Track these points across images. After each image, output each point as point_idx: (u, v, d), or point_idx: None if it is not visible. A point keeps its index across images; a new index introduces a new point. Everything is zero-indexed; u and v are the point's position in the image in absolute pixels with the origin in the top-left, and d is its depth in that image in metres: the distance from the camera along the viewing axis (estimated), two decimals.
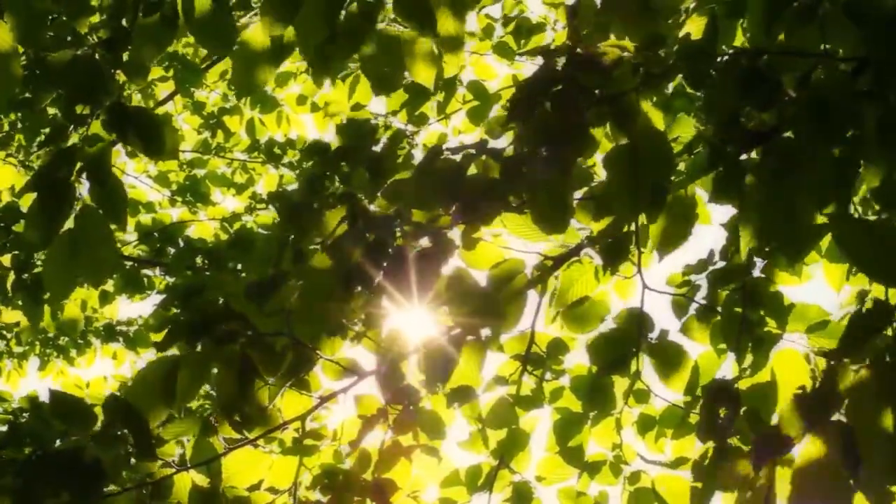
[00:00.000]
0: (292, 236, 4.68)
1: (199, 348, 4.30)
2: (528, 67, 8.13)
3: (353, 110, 7.64)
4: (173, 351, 4.33)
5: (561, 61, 3.67)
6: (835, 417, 2.99)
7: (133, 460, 4.26)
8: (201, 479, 4.40)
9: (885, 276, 3.07)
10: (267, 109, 10.61)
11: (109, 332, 11.08)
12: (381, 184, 4.73)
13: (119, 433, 4.22)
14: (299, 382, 4.47)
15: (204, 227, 10.56)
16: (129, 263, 9.98)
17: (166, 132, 4.34)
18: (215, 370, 4.35)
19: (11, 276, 8.64)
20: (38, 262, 8.95)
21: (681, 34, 4.06)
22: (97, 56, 4.35)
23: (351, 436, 4.71)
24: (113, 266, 4.33)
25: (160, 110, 10.66)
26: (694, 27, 4.11)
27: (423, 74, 4.57)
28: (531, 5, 8.55)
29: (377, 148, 4.88)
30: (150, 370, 4.31)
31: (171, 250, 9.85)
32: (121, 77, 4.53)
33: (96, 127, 4.29)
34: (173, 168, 11.04)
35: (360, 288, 4.22)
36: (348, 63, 7.15)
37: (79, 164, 4.21)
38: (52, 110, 8.69)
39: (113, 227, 4.33)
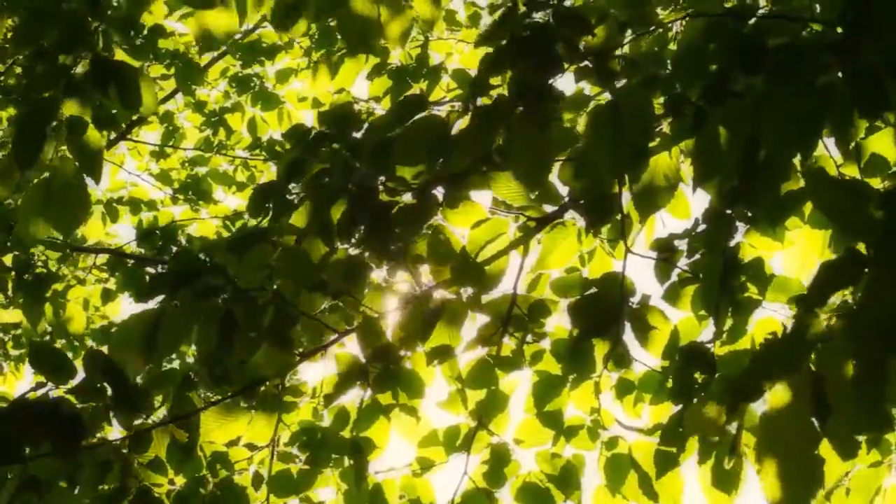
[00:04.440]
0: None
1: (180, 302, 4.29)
2: None
3: (336, 94, 7.62)
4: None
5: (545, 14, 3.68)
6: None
7: (112, 413, 4.26)
8: (180, 434, 4.41)
9: (857, 229, 3.09)
10: (268, 107, 10.59)
11: (106, 336, 11.04)
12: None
13: (99, 386, 4.22)
14: (280, 339, 4.47)
15: (206, 225, 10.57)
16: (130, 262, 9.98)
17: (144, 86, 4.34)
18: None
19: (12, 276, 8.64)
20: (39, 263, 8.96)
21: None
22: (79, 8, 4.35)
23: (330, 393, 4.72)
24: (84, 216, 4.33)
25: (161, 108, 10.69)
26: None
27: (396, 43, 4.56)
28: None
29: (358, 134, 4.88)
30: (132, 323, 4.30)
31: (173, 248, 9.85)
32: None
33: (78, 78, 4.29)
34: (175, 166, 11.05)
35: (342, 243, 4.23)
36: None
37: (58, 114, 4.21)
38: None
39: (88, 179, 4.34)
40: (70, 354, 10.73)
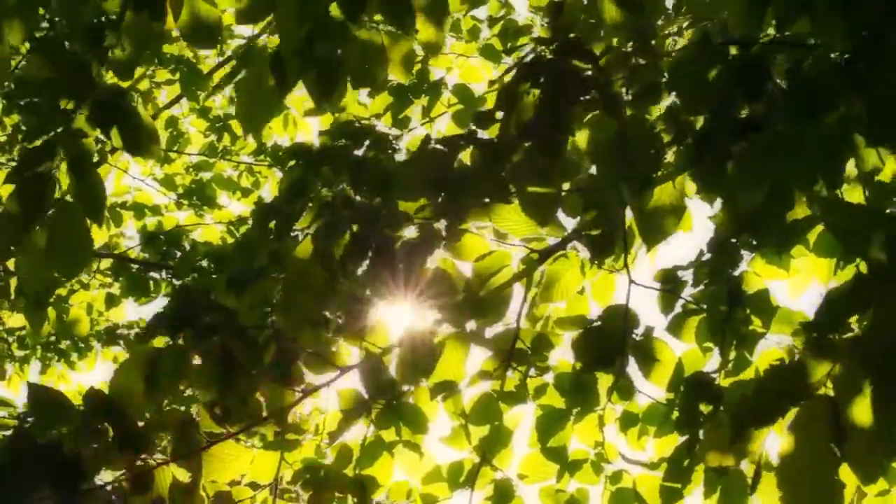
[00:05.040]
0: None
1: (180, 340, 4.27)
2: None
3: (337, 112, 7.59)
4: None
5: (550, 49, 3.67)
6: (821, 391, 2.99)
7: (114, 453, 4.22)
8: (182, 474, 4.37)
9: (868, 252, 3.08)
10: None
11: (110, 336, 11.00)
12: (363, 188, 4.71)
13: (100, 426, 4.18)
14: (282, 376, 4.44)
15: (210, 230, 10.55)
16: (135, 266, 9.97)
17: (148, 129, 4.31)
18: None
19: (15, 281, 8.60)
20: None
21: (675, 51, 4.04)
22: (83, 52, 4.32)
23: (333, 430, 4.69)
24: (87, 261, 4.28)
25: (165, 113, 10.68)
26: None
27: (400, 72, 4.53)
28: (517, 7, 8.50)
29: (360, 152, 4.86)
30: (132, 362, 4.27)
31: (178, 253, 9.84)
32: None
33: (80, 122, 4.25)
34: (179, 171, 11.03)
35: (343, 279, 4.20)
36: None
37: (60, 158, 4.16)
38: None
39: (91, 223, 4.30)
40: (75, 355, 10.75)
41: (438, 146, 4.03)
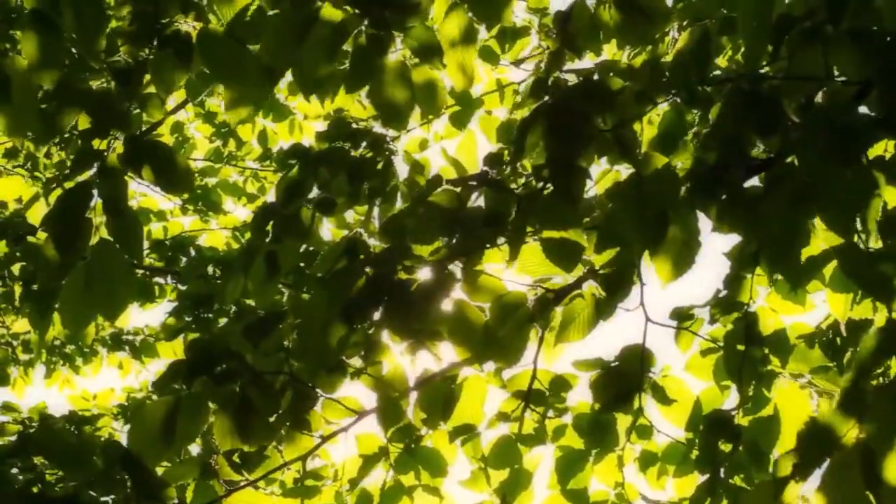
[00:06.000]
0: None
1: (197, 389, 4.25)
2: (512, 72, 8.03)
3: (334, 114, 7.55)
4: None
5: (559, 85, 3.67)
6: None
7: None
8: None
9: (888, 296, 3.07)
10: (279, 118, 10.55)
11: (116, 341, 10.95)
12: (361, 189, 4.71)
13: (119, 477, 4.17)
14: (300, 422, 4.42)
15: (215, 235, 10.52)
16: (140, 272, 9.94)
17: (180, 167, 4.29)
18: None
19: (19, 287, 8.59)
20: None
21: (674, 50, 4.04)
22: (113, 89, 4.32)
23: (352, 475, 4.68)
24: (129, 300, 4.24)
25: (171, 119, 10.66)
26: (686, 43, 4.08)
27: (431, 105, 4.52)
28: (515, 8, 8.43)
29: (357, 153, 4.86)
30: (150, 412, 4.25)
31: (183, 259, 9.82)
32: None
33: (113, 159, 4.23)
34: None
35: (359, 324, 4.19)
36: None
37: (95, 198, 4.15)
38: None
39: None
40: (80, 360, 10.72)
41: (450, 187, 4.03)
